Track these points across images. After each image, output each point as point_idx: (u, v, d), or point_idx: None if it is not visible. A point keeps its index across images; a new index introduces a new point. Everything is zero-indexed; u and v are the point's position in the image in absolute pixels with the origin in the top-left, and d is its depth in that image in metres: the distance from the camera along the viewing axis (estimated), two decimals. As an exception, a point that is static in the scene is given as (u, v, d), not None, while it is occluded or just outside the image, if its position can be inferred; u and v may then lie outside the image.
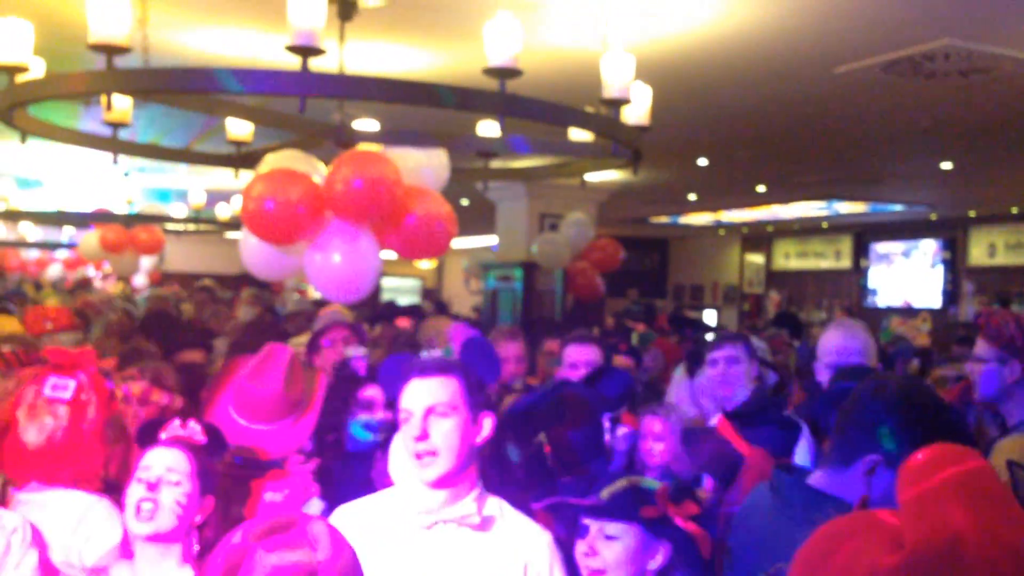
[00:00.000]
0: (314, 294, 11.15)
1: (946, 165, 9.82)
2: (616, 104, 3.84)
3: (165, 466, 2.32)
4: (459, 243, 18.18)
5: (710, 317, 18.00)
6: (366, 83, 3.40)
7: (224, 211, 10.94)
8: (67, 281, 13.11)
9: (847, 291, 16.54)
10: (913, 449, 1.88)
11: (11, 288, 12.41)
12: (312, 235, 4.07)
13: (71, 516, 2.50)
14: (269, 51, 5.68)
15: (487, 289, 10.93)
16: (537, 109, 3.54)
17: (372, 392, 3.15)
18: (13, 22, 3.54)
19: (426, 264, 21.24)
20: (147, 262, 11.44)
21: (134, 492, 2.30)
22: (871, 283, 16.20)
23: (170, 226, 10.63)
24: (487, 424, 2.25)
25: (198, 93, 4.16)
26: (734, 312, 18.45)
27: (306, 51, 3.05)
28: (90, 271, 13.20)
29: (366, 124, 4.87)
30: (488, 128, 4.82)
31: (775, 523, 2.06)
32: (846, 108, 7.25)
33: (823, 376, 3.70)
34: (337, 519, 2.29)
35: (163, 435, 2.40)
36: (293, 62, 3.09)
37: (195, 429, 2.42)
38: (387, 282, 20.73)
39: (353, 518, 2.27)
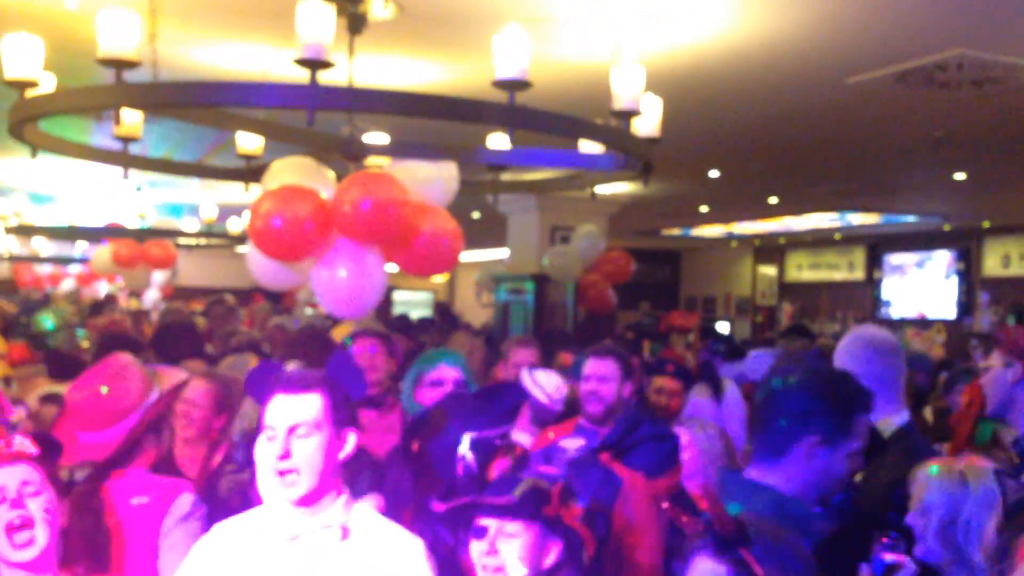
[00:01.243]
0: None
1: (960, 175, 9.76)
2: (627, 116, 3.82)
3: (19, 480, 2.28)
4: (470, 256, 18.19)
5: (723, 329, 17.94)
6: (375, 96, 3.40)
7: (236, 225, 10.96)
8: (81, 294, 13.14)
9: (860, 303, 16.45)
10: (845, 423, 2.07)
11: (29, 304, 12.46)
12: (319, 253, 4.06)
13: None
14: (279, 65, 5.69)
15: (498, 302, 10.91)
16: (547, 121, 3.52)
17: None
18: (23, 38, 3.55)
19: (438, 278, 21.25)
20: (159, 277, 11.47)
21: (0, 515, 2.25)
22: (885, 295, 16.10)
23: (182, 240, 10.65)
24: (351, 439, 2.22)
25: (207, 107, 4.16)
26: (747, 324, 18.37)
27: (315, 64, 3.04)
28: (103, 286, 13.23)
29: (375, 137, 4.87)
30: (498, 141, 4.80)
31: None
32: (858, 119, 7.22)
33: None
34: (211, 534, 2.30)
35: None
36: (303, 76, 3.08)
37: (24, 443, 2.35)
38: (399, 296, 20.74)
39: (225, 533, 2.28)
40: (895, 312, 15.87)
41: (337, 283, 4.07)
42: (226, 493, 3.18)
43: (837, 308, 16.71)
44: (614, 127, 3.85)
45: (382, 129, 5.29)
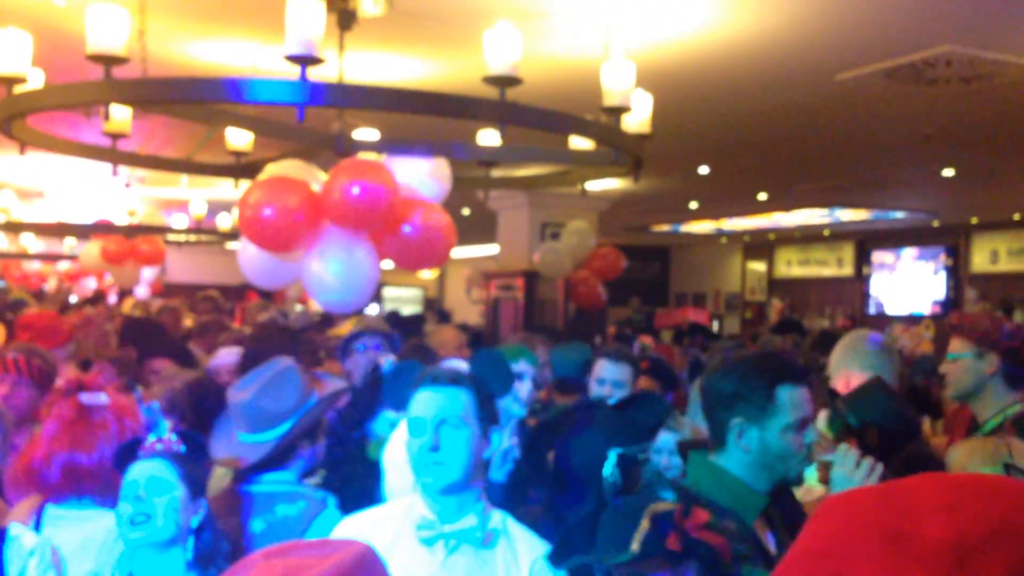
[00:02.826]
0: (317, 305, 11.13)
1: (948, 172, 9.81)
2: (617, 112, 3.83)
3: (148, 475, 2.31)
4: (461, 253, 18.18)
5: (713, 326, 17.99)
6: (365, 92, 3.39)
7: (225, 222, 10.93)
8: (54, 289, 13.07)
9: (849, 298, 16.51)
10: (767, 398, 2.12)
11: (15, 299, 12.40)
12: (310, 243, 4.05)
13: (103, 533, 2.49)
14: (268, 61, 5.68)
15: (489, 298, 10.92)
16: (537, 117, 3.52)
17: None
18: (12, 33, 3.53)
19: (428, 274, 21.23)
20: (148, 273, 11.43)
21: (124, 505, 2.29)
22: (873, 290, 16.17)
23: (171, 237, 10.62)
24: (495, 439, 2.24)
25: (197, 103, 4.15)
26: (736, 320, 18.41)
27: (305, 60, 3.04)
28: (91, 282, 13.19)
29: (366, 133, 4.86)
30: (488, 137, 4.80)
31: None
32: (848, 115, 7.24)
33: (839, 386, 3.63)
34: (338, 532, 2.27)
35: (143, 451, 2.38)
36: (293, 72, 3.07)
37: (172, 439, 2.40)
38: (388, 292, 20.72)
39: (355, 531, 2.23)
40: (883, 308, 15.93)
41: (329, 277, 4.06)
42: None
43: (826, 304, 16.77)
44: (604, 123, 3.85)
45: (372, 125, 5.28)
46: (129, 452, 2.39)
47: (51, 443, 2.59)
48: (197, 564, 2.33)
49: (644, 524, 1.84)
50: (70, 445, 2.58)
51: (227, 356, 4.82)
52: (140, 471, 2.33)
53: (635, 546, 1.80)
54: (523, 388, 3.45)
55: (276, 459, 2.74)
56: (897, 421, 2.79)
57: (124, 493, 2.32)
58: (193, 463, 2.41)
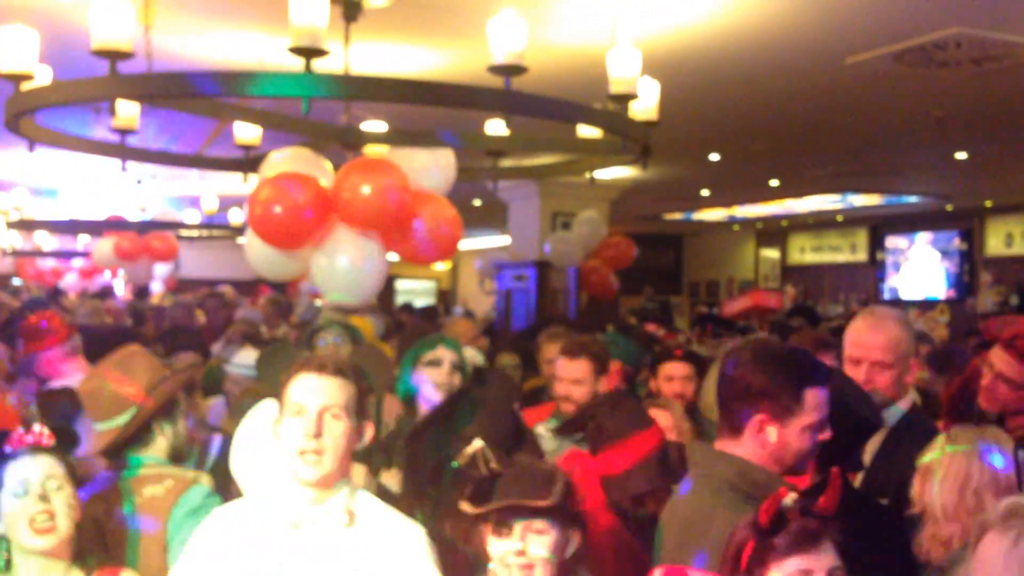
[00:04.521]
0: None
1: (961, 155, 9.74)
2: (624, 100, 3.81)
3: (44, 474, 2.28)
4: (472, 243, 18.18)
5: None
6: (371, 83, 3.39)
7: (237, 216, 10.96)
8: (76, 291, 13.14)
9: (863, 284, 16.43)
10: (794, 399, 2.12)
11: (32, 297, 12.47)
12: (319, 240, 4.06)
13: None
14: (274, 54, 5.68)
15: (500, 289, 10.92)
16: (543, 106, 3.51)
17: None
18: (18, 30, 3.54)
19: (440, 265, 21.26)
20: (161, 269, 11.48)
21: (24, 507, 2.24)
22: (887, 275, 16.09)
23: (184, 232, 10.65)
24: (368, 432, 2.25)
25: (203, 97, 4.15)
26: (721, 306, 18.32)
27: (310, 52, 3.03)
28: (106, 278, 13.25)
29: (373, 125, 4.86)
30: (495, 126, 4.79)
31: (691, 496, 2.21)
32: (858, 99, 7.20)
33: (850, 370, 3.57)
34: (210, 520, 2.30)
35: (12, 445, 2.31)
36: (298, 64, 3.07)
37: (43, 432, 2.35)
38: (402, 284, 20.75)
39: (224, 519, 2.27)
40: (898, 293, 15.85)
41: (337, 270, 4.07)
42: None
43: (840, 290, 16.70)
44: (611, 111, 3.83)
45: (379, 116, 5.28)
46: None
47: None
48: (78, 561, 2.33)
49: (561, 481, 2.20)
50: None
51: (243, 367, 4.81)
52: (33, 469, 2.27)
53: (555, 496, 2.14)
54: (439, 373, 3.45)
55: (133, 440, 2.74)
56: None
57: (15, 491, 2.25)
58: (69, 455, 2.39)
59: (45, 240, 12.95)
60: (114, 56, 3.27)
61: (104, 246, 10.22)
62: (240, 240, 12.89)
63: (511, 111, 3.40)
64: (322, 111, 3.69)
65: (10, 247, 13.15)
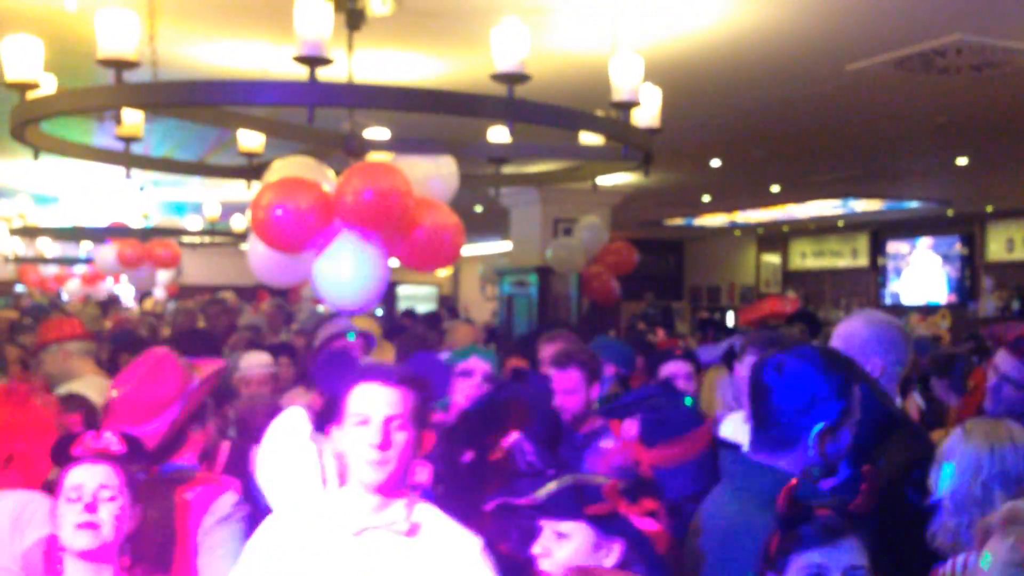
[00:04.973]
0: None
1: (962, 160, 9.75)
2: (626, 107, 3.82)
3: (98, 483, 2.30)
4: (474, 250, 18.19)
5: (729, 319, 17.95)
6: (375, 91, 3.40)
7: (239, 223, 10.98)
8: (80, 296, 13.16)
9: (865, 289, 16.44)
10: (845, 399, 2.07)
11: (34, 303, 12.50)
12: (322, 244, 4.07)
13: (7, 516, 2.50)
14: (278, 62, 5.70)
15: (502, 295, 10.93)
16: (546, 113, 3.53)
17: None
18: (23, 39, 3.56)
19: (442, 272, 21.28)
20: (164, 276, 11.49)
21: (70, 514, 2.28)
22: (889, 281, 16.10)
23: (186, 239, 10.67)
24: (427, 442, 2.31)
25: (208, 106, 4.17)
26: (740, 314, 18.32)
27: (314, 61, 3.05)
28: (108, 284, 13.26)
29: (376, 133, 4.87)
30: (498, 134, 4.81)
31: (730, 509, 2.11)
32: (859, 105, 7.21)
33: None
34: (266, 526, 2.31)
35: (79, 450, 2.35)
36: (302, 73, 3.09)
37: (111, 439, 2.38)
38: (403, 290, 20.76)
39: (282, 527, 2.28)
40: (899, 298, 15.86)
41: (339, 277, 4.08)
42: None
43: (841, 295, 16.71)
44: (614, 118, 3.85)
45: (382, 125, 5.30)
46: (63, 449, 2.36)
47: None
48: (127, 572, 2.34)
49: (563, 480, 2.10)
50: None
51: (258, 366, 4.81)
52: (87, 476, 2.30)
53: (541, 493, 2.07)
54: (470, 385, 3.47)
55: (170, 446, 2.75)
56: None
57: (69, 496, 2.29)
58: (132, 466, 2.40)
59: (47, 247, 12.97)
60: (120, 65, 3.29)
61: (107, 253, 10.23)
62: (242, 246, 12.93)
63: (515, 119, 3.41)
64: (325, 119, 3.70)
65: (12, 254, 13.17)
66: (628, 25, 5.13)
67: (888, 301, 15.98)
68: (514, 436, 2.62)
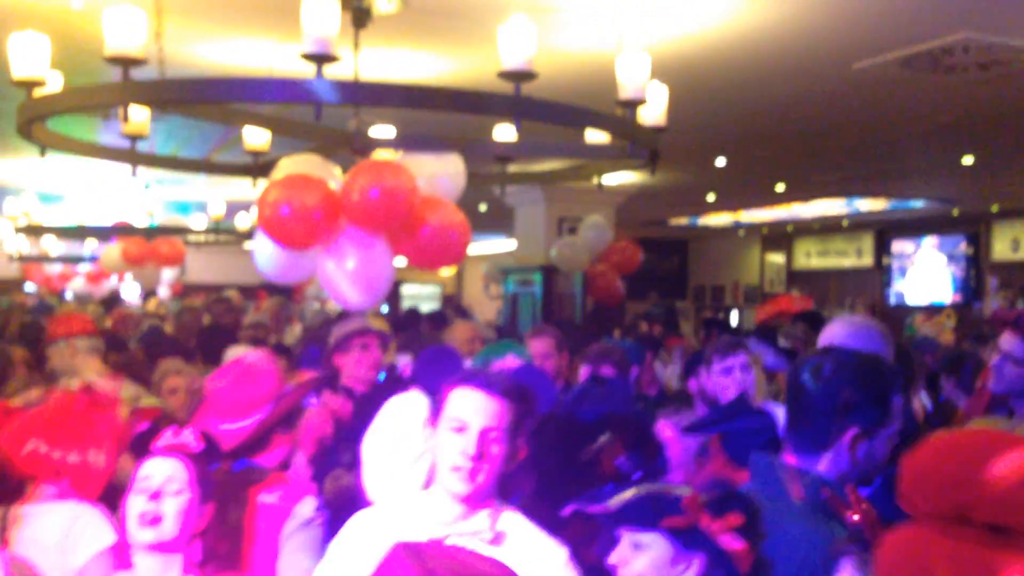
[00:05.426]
0: (334, 303, 11.19)
1: (967, 160, 9.73)
2: (632, 105, 3.82)
3: (165, 476, 2.31)
4: (478, 248, 18.19)
5: (733, 318, 17.94)
6: (380, 89, 3.41)
7: (244, 221, 10.98)
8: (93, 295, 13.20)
9: (870, 289, 16.41)
10: (883, 407, 2.05)
11: (40, 301, 12.52)
12: (327, 241, 4.08)
13: (57, 529, 2.51)
14: (284, 61, 5.70)
15: (507, 294, 10.93)
16: (553, 111, 3.52)
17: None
18: (30, 36, 3.56)
19: (446, 271, 21.28)
20: (168, 274, 11.51)
21: (135, 503, 2.29)
22: (894, 280, 16.07)
23: (191, 238, 10.68)
24: (522, 451, 2.23)
25: (214, 103, 4.18)
26: (755, 312, 18.32)
27: (321, 59, 3.05)
28: (112, 283, 13.28)
29: (382, 130, 4.88)
30: (504, 132, 4.81)
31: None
32: (865, 104, 7.20)
33: None
34: (351, 526, 2.29)
35: (157, 444, 2.38)
36: (308, 71, 3.09)
37: (189, 437, 2.40)
38: (407, 289, 20.76)
39: (366, 526, 2.26)
40: (904, 298, 15.84)
41: (345, 274, 4.08)
42: (330, 496, 3.15)
43: (846, 295, 16.68)
44: (620, 116, 3.85)
45: (388, 123, 5.30)
46: (142, 443, 2.40)
47: (26, 428, 2.64)
48: (196, 570, 2.33)
49: (637, 490, 2.01)
50: (49, 437, 2.61)
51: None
52: (156, 468, 2.32)
53: (613, 502, 1.97)
54: None
55: (254, 446, 2.76)
56: None
57: (137, 487, 2.31)
58: (207, 464, 2.41)
59: (52, 245, 12.99)
60: (127, 63, 3.29)
61: (112, 251, 10.25)
62: (246, 245, 12.94)
63: (521, 116, 3.41)
64: (331, 117, 3.71)
65: (17, 252, 13.19)
66: (634, 23, 5.13)
67: (893, 301, 15.95)
68: (605, 438, 2.59)
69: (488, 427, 2.12)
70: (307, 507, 2.66)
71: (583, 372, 4.13)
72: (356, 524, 2.29)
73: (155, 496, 2.28)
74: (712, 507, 1.96)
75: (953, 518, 1.39)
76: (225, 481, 2.60)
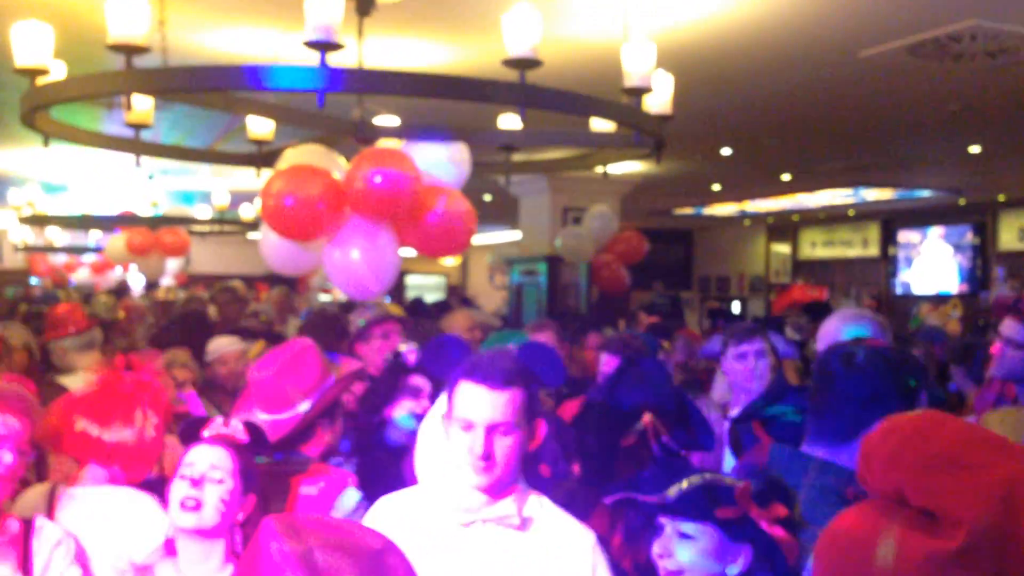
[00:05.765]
0: (340, 294, 11.18)
1: (974, 149, 9.69)
2: (637, 93, 3.80)
3: (209, 463, 2.33)
4: (483, 239, 18.17)
5: (737, 308, 17.92)
6: (384, 77, 3.39)
7: (248, 211, 10.98)
8: (96, 285, 13.21)
9: (875, 279, 16.38)
10: (911, 404, 2.02)
11: (42, 293, 12.54)
12: (332, 231, 4.07)
13: (121, 513, 2.52)
14: (288, 49, 5.68)
15: (512, 284, 10.92)
16: (558, 99, 3.50)
17: (420, 381, 3.17)
18: (33, 25, 3.55)
19: (451, 260, 21.27)
20: (173, 264, 11.51)
21: (178, 488, 2.31)
22: (900, 270, 16.04)
23: (195, 228, 10.68)
24: (539, 431, 2.21)
25: (218, 91, 4.16)
26: (761, 303, 18.33)
27: (324, 46, 3.03)
28: (117, 273, 13.29)
29: (386, 120, 4.86)
30: (509, 121, 4.79)
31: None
32: (872, 93, 7.16)
33: None
34: (376, 512, 2.29)
35: (206, 433, 2.41)
36: (312, 59, 3.07)
37: (237, 427, 2.43)
38: (412, 279, 20.76)
39: (391, 512, 2.26)
40: (910, 287, 15.80)
41: (350, 264, 4.07)
42: None
43: (852, 285, 16.65)
44: (625, 105, 3.82)
45: (393, 111, 5.28)
46: (193, 430, 2.41)
47: (74, 408, 2.65)
48: (237, 557, 2.33)
49: (694, 479, 1.99)
50: (91, 415, 2.62)
51: (228, 346, 4.88)
52: (201, 455, 2.35)
53: (672, 492, 1.95)
54: None
55: (297, 437, 2.76)
56: None
57: (181, 472, 2.33)
58: (252, 455, 2.42)
59: (57, 235, 13.00)
60: (130, 51, 3.27)
61: (116, 241, 10.25)
62: (251, 235, 12.94)
63: (526, 104, 3.39)
64: (335, 106, 3.69)
65: (22, 242, 13.20)
66: (640, 11, 5.10)
67: (899, 291, 15.92)
68: (647, 418, 2.56)
69: (494, 423, 2.10)
70: (349, 498, 2.67)
71: (606, 361, 4.12)
72: (380, 510, 2.29)
73: (197, 483, 2.30)
74: (758, 498, 1.95)
75: (895, 499, 1.37)
76: (268, 472, 2.60)
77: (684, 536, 1.97)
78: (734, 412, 3.69)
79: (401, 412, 3.13)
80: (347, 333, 4.63)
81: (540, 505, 2.23)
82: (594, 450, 2.72)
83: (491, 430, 2.10)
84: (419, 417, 2.97)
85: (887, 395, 2.06)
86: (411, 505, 2.26)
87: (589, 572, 2.16)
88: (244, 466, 2.37)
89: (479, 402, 2.11)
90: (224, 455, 2.35)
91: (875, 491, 1.41)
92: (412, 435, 2.92)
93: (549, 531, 2.19)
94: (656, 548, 2.01)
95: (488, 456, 2.09)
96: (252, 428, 2.47)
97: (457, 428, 2.14)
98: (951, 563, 1.24)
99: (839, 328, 3.09)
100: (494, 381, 2.11)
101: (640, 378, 2.88)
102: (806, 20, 5.40)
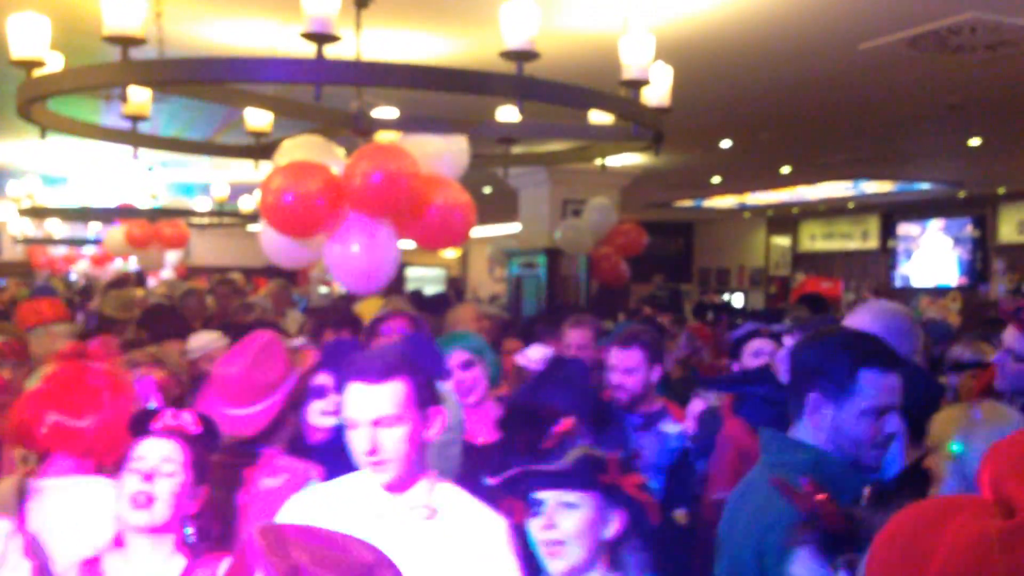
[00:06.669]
0: (339, 286, 11.18)
1: (974, 141, 9.68)
2: (636, 85, 3.79)
3: (160, 456, 2.29)
4: (482, 231, 18.15)
5: (737, 301, 17.91)
6: (382, 69, 3.38)
7: (247, 204, 10.97)
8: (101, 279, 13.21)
9: (875, 271, 16.36)
10: (848, 377, 2.08)
11: (40, 284, 12.53)
12: (331, 227, 4.06)
13: (90, 503, 2.50)
14: (285, 41, 5.66)
15: (511, 276, 10.91)
16: (556, 91, 3.50)
17: (323, 379, 3.08)
18: (30, 17, 3.54)
19: (450, 253, 21.26)
20: (172, 256, 11.50)
21: (129, 483, 2.27)
22: (899, 263, 16.03)
23: (194, 220, 10.67)
24: (439, 419, 2.22)
25: (215, 83, 4.15)
26: (760, 295, 18.32)
27: (321, 38, 3.03)
28: (117, 265, 13.29)
29: (385, 112, 4.85)
30: (507, 113, 4.78)
31: (763, 483, 2.12)
32: (871, 85, 7.15)
33: None
34: (299, 500, 2.31)
35: (156, 425, 2.36)
36: (310, 51, 3.06)
37: (188, 419, 2.37)
38: (412, 272, 20.75)
39: (313, 503, 2.28)
40: (910, 280, 15.80)
41: (350, 258, 4.07)
42: None
43: (851, 277, 16.64)
44: (624, 97, 3.82)
45: (391, 103, 5.27)
46: (141, 422, 2.37)
47: (41, 403, 2.62)
48: (187, 549, 2.32)
49: (579, 450, 2.19)
50: (60, 406, 2.60)
51: (212, 343, 4.86)
52: (151, 449, 2.30)
53: (570, 458, 2.13)
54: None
55: (271, 432, 2.76)
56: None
57: (131, 467, 2.29)
58: (204, 447, 2.39)
59: (56, 227, 12.99)
60: (126, 43, 3.27)
61: (116, 233, 10.24)
62: (250, 227, 12.93)
63: (524, 97, 3.38)
64: (333, 98, 3.68)
65: (21, 235, 13.19)
66: (638, 3, 5.09)
67: (898, 283, 15.91)
68: (569, 422, 2.59)
69: (376, 419, 2.12)
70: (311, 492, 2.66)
71: (614, 354, 4.09)
72: (298, 502, 2.31)
73: (148, 477, 2.26)
74: (622, 466, 2.13)
75: (1003, 509, 1.31)
76: (222, 464, 2.58)
77: (568, 505, 2.09)
78: None
79: (313, 414, 3.07)
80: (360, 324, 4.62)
81: (450, 493, 2.26)
82: (516, 452, 2.75)
83: (375, 426, 2.12)
84: (333, 413, 2.96)
85: (819, 369, 2.13)
86: (333, 495, 2.28)
87: (500, 558, 2.18)
88: (196, 459, 2.33)
89: (360, 399, 2.13)
90: (175, 448, 2.31)
91: (987, 496, 1.38)
92: (334, 430, 2.89)
93: (460, 519, 2.21)
94: (539, 522, 2.11)
95: (375, 451, 2.11)
96: (204, 420, 2.42)
97: (349, 427, 2.16)
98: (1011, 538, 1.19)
99: (867, 323, 3.06)
100: (371, 376, 2.13)
101: (564, 380, 2.91)
102: (805, 12, 5.39)
